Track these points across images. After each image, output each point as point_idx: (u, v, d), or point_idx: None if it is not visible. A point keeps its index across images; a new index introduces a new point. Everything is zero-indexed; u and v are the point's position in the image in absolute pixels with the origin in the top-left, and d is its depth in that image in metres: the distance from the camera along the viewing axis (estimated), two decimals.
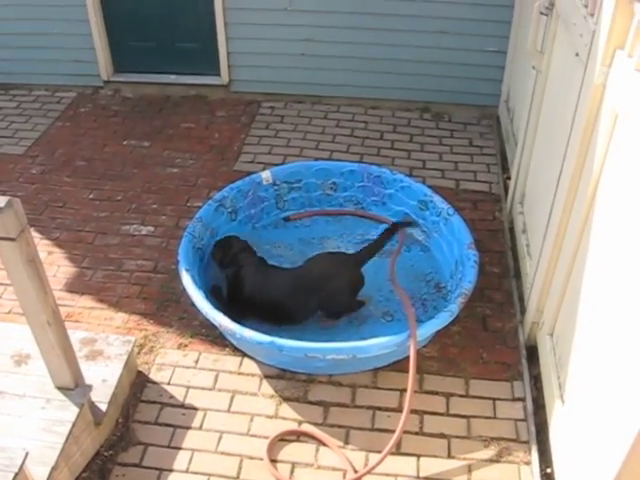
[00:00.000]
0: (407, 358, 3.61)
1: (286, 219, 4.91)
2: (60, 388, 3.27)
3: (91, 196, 5.28)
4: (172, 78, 6.64)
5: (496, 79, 6.04)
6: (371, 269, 4.38)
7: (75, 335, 3.66)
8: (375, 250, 4.30)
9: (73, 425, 3.14)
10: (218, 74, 6.49)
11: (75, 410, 3.19)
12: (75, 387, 3.26)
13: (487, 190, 5.28)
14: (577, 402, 3.03)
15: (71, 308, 4.25)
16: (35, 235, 4.74)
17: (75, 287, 4.42)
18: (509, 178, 5.10)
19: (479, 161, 5.62)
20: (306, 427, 3.54)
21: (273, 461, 3.37)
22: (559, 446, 3.21)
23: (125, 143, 5.94)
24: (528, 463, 3.35)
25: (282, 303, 3.97)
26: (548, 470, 3.28)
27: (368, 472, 3.27)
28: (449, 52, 5.98)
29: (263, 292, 4.02)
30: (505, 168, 5.44)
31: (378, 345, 3.57)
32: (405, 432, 3.42)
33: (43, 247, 4.71)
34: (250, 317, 3.96)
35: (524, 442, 3.45)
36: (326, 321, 4.06)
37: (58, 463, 3.04)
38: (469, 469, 3.34)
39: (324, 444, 3.46)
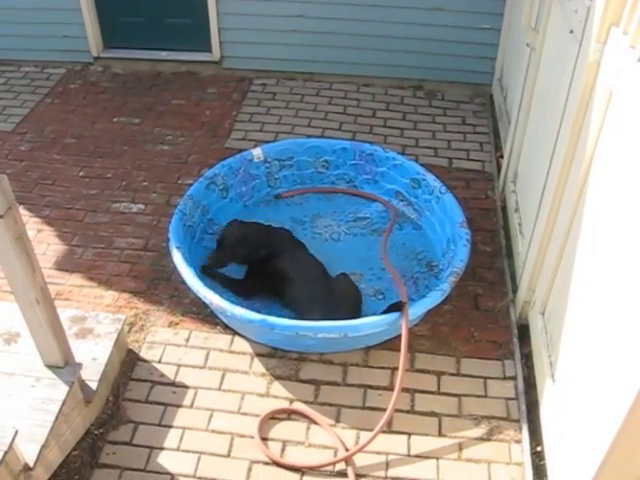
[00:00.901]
0: (399, 336, 3.60)
1: (277, 196, 4.89)
2: (50, 366, 3.25)
3: (81, 173, 5.24)
4: (163, 54, 6.58)
5: (490, 57, 6.00)
6: (363, 247, 4.40)
7: (65, 313, 3.63)
8: None
9: (63, 403, 3.13)
10: (209, 50, 6.44)
11: (65, 388, 3.17)
12: (65, 365, 3.24)
13: (480, 169, 5.26)
14: (568, 381, 3.03)
15: (61, 286, 4.22)
16: (24, 213, 4.71)
17: (65, 265, 4.40)
18: (502, 156, 5.09)
19: (472, 139, 5.60)
20: (297, 405, 3.54)
21: (264, 439, 3.37)
22: (549, 425, 3.22)
23: (115, 120, 5.89)
24: (519, 441, 3.36)
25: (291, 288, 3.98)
26: (538, 448, 3.29)
27: (359, 450, 3.28)
28: (443, 29, 5.93)
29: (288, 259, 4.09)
30: (498, 147, 5.42)
31: (369, 324, 3.56)
32: (396, 410, 3.42)
33: (32, 225, 4.68)
34: (259, 294, 4.03)
35: (515, 420, 3.46)
36: None
37: (48, 441, 3.03)
38: (460, 447, 3.35)
39: (315, 422, 3.46)
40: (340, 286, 4.03)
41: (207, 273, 4.12)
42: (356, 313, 3.86)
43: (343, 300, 3.92)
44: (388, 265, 4.13)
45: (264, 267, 4.11)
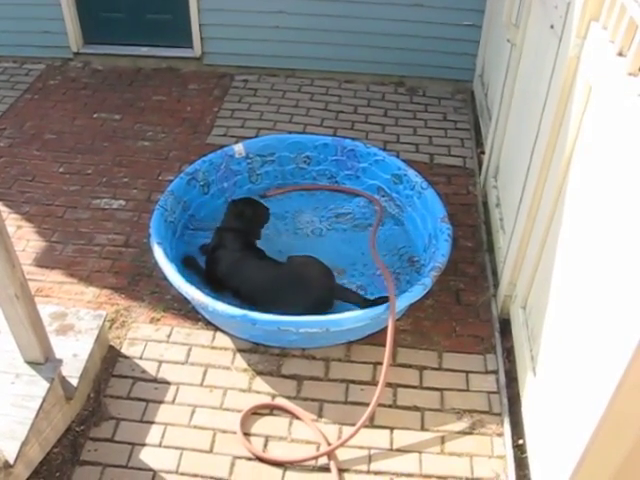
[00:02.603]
0: (381, 331, 3.63)
1: (263, 196, 4.86)
2: (30, 363, 3.22)
3: (61, 170, 5.20)
4: (144, 50, 6.54)
5: (471, 53, 6.02)
6: (345, 242, 4.40)
7: (45, 309, 3.62)
8: (351, 300, 3.92)
9: (43, 400, 3.11)
10: (191, 46, 6.40)
11: (45, 385, 3.15)
12: (45, 362, 3.22)
13: (461, 164, 5.27)
14: (549, 374, 3.05)
15: (41, 283, 4.19)
16: (3, 209, 4.68)
17: (45, 261, 4.36)
18: (483, 152, 5.11)
19: (453, 135, 5.61)
20: (279, 401, 3.54)
21: (246, 434, 3.36)
22: (531, 418, 3.24)
23: (95, 116, 5.85)
24: (500, 435, 3.37)
25: (251, 295, 3.94)
26: (520, 441, 3.31)
27: (342, 445, 3.28)
28: (424, 26, 5.94)
29: (235, 279, 4.01)
30: (479, 142, 5.44)
31: (351, 318, 3.56)
32: (379, 405, 3.41)
33: (12, 221, 4.64)
34: (225, 292, 3.99)
35: (496, 414, 3.47)
36: None
37: (28, 438, 3.01)
38: (442, 441, 3.36)
39: (297, 417, 3.45)
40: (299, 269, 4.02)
41: (185, 264, 4.16)
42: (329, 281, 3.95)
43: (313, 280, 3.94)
44: (377, 260, 4.08)
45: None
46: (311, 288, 3.89)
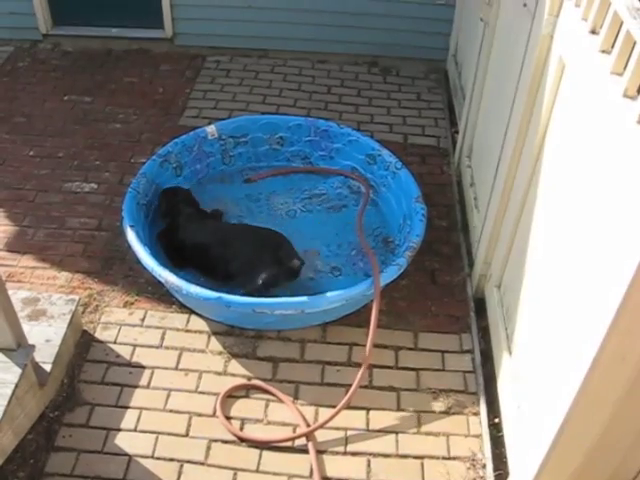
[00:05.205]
0: (356, 312, 3.62)
1: (247, 180, 4.81)
2: (1, 349, 3.18)
3: (31, 153, 5.11)
4: (114, 31, 6.42)
5: (444, 33, 5.99)
6: (319, 224, 4.38)
7: (17, 295, 3.58)
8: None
9: (16, 386, 3.07)
10: (162, 27, 6.30)
11: (18, 371, 3.11)
12: (17, 348, 3.18)
13: (435, 144, 5.27)
14: (524, 353, 3.07)
15: (12, 268, 4.13)
16: None
17: (16, 246, 4.30)
18: (457, 132, 5.10)
19: (427, 115, 5.60)
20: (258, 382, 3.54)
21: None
22: (507, 397, 3.25)
23: (66, 98, 5.76)
24: (476, 414, 3.39)
25: (205, 251, 4.02)
26: (496, 420, 3.33)
27: (321, 426, 3.28)
28: (397, 5, 5.90)
29: (190, 238, 4.11)
30: (453, 122, 5.43)
31: (326, 299, 3.55)
32: None
33: None
34: (186, 266, 4.02)
35: (472, 393, 3.49)
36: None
37: (1, 425, 2.98)
38: (418, 421, 3.37)
39: (277, 398, 3.45)
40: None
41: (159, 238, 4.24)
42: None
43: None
44: (363, 243, 4.06)
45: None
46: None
